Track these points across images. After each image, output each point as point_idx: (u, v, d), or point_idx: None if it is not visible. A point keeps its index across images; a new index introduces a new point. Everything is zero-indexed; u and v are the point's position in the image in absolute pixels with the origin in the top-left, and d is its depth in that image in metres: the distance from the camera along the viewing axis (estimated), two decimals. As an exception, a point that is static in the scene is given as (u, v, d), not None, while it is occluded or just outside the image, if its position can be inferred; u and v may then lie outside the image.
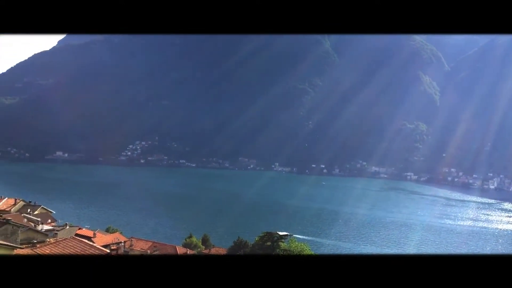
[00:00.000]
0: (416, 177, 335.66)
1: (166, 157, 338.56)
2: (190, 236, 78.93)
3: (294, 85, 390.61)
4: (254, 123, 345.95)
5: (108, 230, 78.34)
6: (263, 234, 63.40)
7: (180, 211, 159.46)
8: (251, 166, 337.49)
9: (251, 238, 69.87)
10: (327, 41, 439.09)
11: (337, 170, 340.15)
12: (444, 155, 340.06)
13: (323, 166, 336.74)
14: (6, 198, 73.02)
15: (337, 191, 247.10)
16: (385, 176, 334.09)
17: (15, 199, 71.19)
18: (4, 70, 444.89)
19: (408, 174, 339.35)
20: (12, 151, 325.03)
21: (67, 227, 59.10)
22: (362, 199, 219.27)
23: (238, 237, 73.26)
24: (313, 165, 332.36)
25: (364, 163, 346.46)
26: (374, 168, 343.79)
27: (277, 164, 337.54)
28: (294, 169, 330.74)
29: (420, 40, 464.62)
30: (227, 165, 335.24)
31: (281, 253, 54.19)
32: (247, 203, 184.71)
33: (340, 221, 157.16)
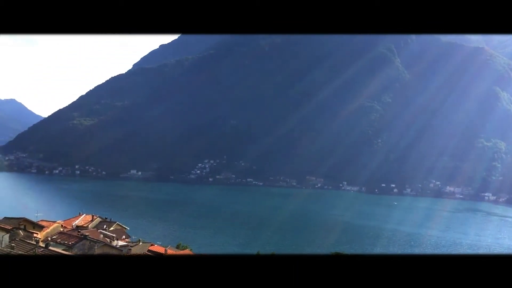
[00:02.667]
0: (494, 197, 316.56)
1: (234, 176, 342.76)
2: (258, 255, 78.65)
3: (362, 103, 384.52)
4: (321, 142, 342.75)
5: (178, 247, 79.92)
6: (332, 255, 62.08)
7: (249, 229, 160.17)
8: (319, 185, 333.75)
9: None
10: (397, 58, 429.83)
11: (408, 190, 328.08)
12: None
13: (393, 185, 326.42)
14: (84, 214, 76.93)
15: (409, 211, 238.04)
16: (461, 196, 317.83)
17: (92, 216, 74.85)
18: (84, 93, 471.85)
19: (486, 194, 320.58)
20: (90, 170, 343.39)
21: (140, 243, 60.94)
22: (436, 220, 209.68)
23: (307, 257, 72.16)
24: (382, 185, 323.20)
25: (438, 182, 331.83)
26: (448, 188, 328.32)
27: (345, 183, 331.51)
28: (363, 188, 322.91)
29: (496, 54, 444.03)
30: (294, 183, 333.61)
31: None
32: (316, 222, 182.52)
33: (412, 243, 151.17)
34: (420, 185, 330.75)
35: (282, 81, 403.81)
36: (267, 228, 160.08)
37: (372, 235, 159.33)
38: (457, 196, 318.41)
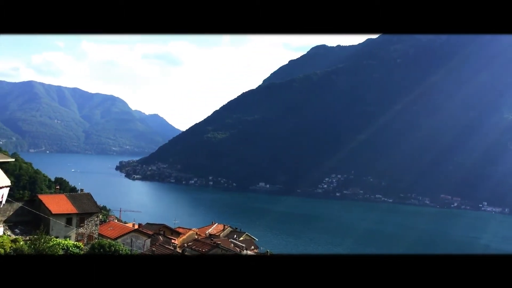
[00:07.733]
0: None
1: (361, 191, 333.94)
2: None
3: (504, 115, 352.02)
4: (457, 158, 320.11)
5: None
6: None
7: (378, 249, 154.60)
8: (455, 204, 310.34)
9: None
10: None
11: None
12: None
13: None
14: (216, 223, 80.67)
15: None
16: None
17: (224, 225, 78.21)
18: (218, 108, 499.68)
19: None
20: (222, 181, 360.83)
21: (268, 255, 61.76)
22: None
23: None
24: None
25: None
26: None
27: (486, 203, 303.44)
28: (506, 209, 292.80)
29: None
30: (427, 202, 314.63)
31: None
32: (452, 245, 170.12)
33: None
34: None
35: (412, 93, 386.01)
36: (397, 248, 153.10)
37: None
38: None
